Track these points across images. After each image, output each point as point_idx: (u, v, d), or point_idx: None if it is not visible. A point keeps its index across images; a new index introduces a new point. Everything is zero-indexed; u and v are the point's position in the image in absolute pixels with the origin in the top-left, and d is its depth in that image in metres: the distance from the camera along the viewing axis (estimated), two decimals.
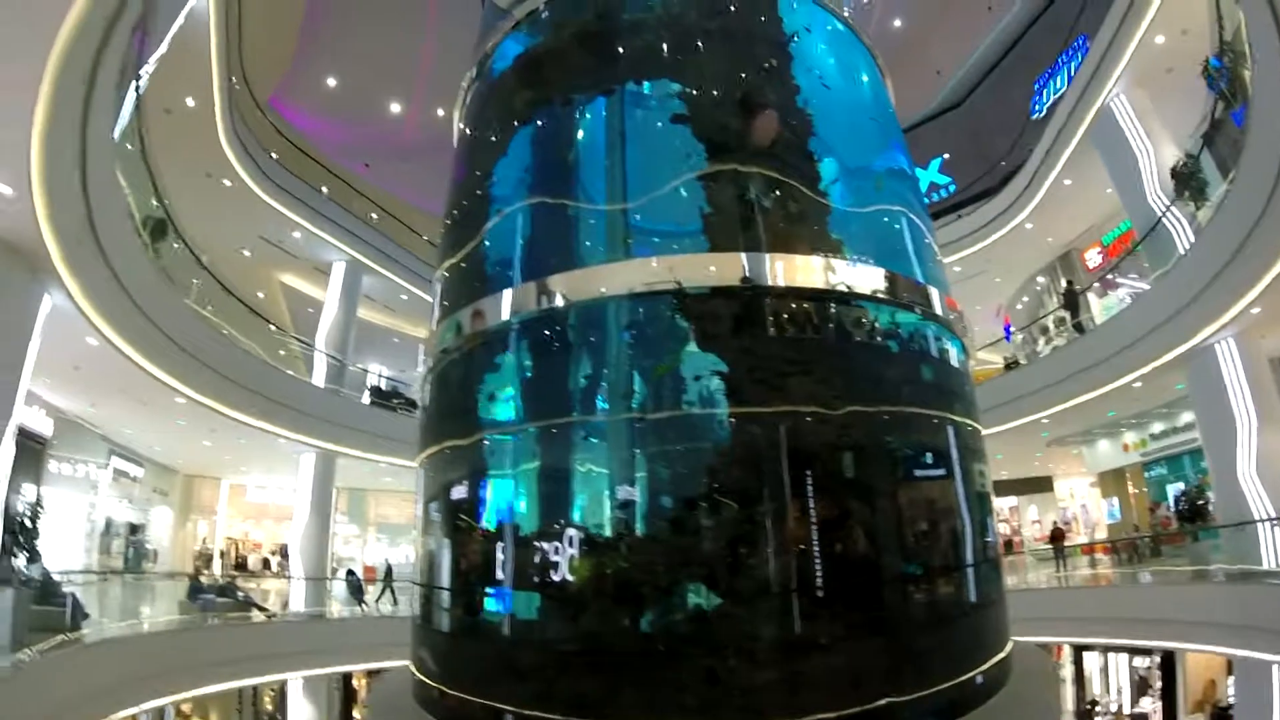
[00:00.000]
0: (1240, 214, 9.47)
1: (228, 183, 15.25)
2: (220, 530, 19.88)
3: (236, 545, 21.29)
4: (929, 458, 5.45)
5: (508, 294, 5.63)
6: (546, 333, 5.72)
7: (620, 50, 6.91)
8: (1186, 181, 11.65)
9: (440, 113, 21.85)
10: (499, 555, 5.14)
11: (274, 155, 16.20)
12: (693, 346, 5.09)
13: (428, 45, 18.77)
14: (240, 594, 14.82)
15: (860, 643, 4.55)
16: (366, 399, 18.30)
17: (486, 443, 5.99)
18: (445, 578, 5.89)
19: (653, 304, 5.16)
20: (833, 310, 5.12)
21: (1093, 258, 18.40)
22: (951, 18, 20.41)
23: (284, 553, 21.27)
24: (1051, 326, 18.10)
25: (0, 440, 9.28)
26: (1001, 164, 19.50)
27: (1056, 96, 19.11)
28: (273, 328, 16.13)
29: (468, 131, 8.29)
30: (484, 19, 10.48)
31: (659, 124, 6.52)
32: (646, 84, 6.75)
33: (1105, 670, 16.80)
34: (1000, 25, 20.31)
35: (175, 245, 12.65)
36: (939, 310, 5.52)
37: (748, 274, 5.00)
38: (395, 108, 20.53)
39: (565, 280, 5.37)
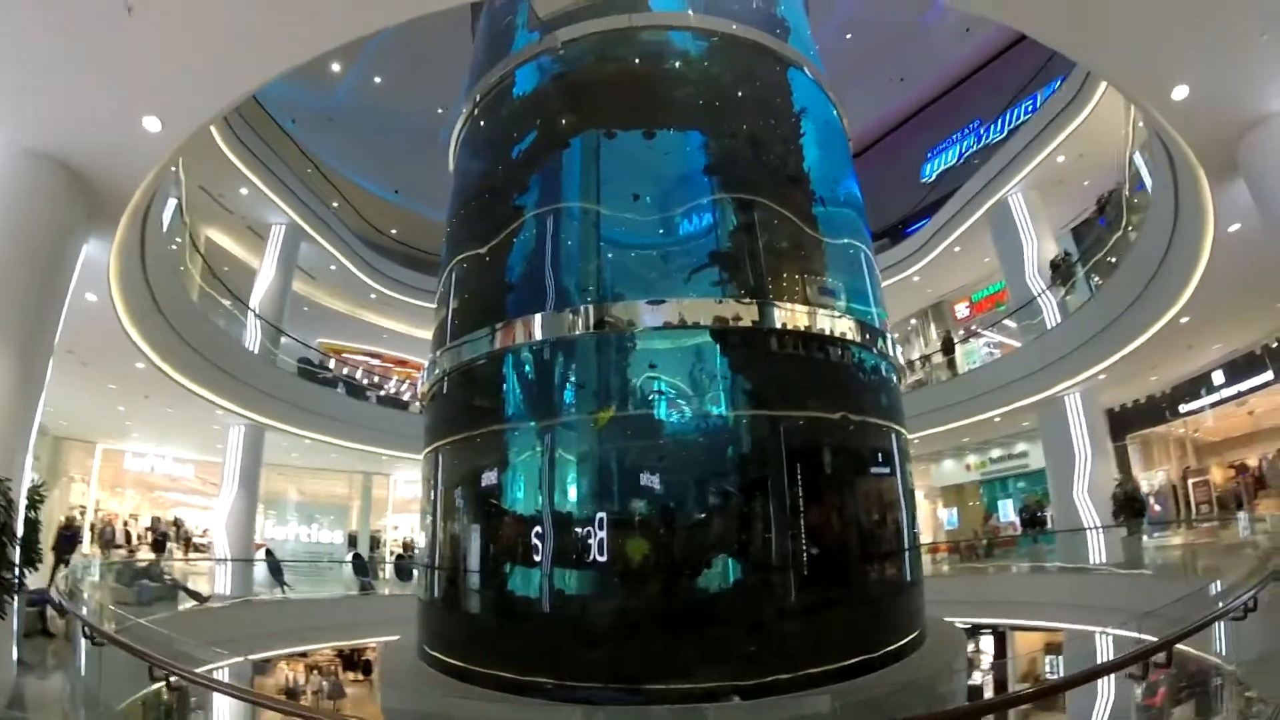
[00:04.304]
0: (1105, 309, 13.62)
1: None
2: (91, 501, 18.81)
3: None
4: (881, 457, 7.56)
5: (539, 316, 7.17)
6: (586, 350, 7.20)
7: (661, 95, 8.35)
8: (1061, 272, 16.11)
9: (378, 80, 22.09)
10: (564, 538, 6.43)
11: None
12: (721, 370, 6.87)
13: None
14: (168, 577, 14.54)
15: (856, 608, 6.73)
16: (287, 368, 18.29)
17: (519, 433, 7.11)
18: (475, 560, 6.98)
19: (682, 336, 6.98)
20: (821, 347, 7.39)
21: (961, 310, 23.21)
22: (865, 81, 24.13)
23: (156, 527, 20.43)
24: (918, 364, 22.74)
25: (39, 398, 9.28)
26: (900, 220, 23.95)
27: (945, 167, 24.06)
28: (228, 296, 16.10)
29: (486, 131, 9.28)
30: (488, 20, 11.49)
31: (691, 168, 7.96)
32: (680, 130, 8.18)
33: None
34: (907, 97, 24.78)
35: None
36: (889, 349, 8.14)
37: (760, 317, 6.99)
38: (335, 67, 20.48)
39: (602, 309, 6.96)
